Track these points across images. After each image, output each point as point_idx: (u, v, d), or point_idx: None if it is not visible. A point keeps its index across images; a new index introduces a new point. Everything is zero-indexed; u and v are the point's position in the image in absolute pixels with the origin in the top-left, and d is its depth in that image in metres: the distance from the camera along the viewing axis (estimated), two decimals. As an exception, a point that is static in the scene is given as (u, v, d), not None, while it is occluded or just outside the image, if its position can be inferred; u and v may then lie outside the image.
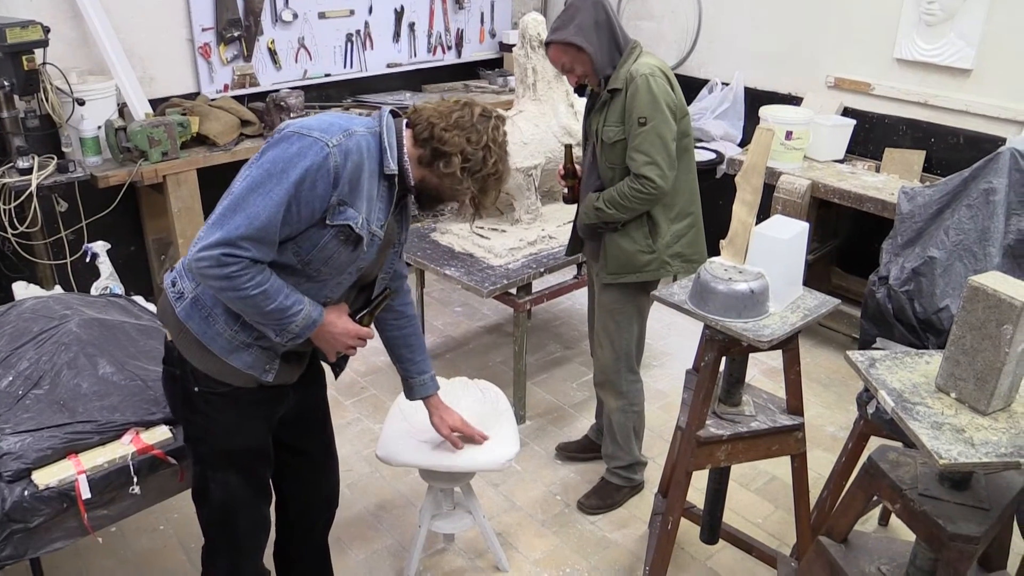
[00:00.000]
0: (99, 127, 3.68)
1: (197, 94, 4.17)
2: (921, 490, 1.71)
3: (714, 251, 2.29)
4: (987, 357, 1.57)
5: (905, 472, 1.77)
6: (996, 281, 1.57)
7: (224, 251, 1.71)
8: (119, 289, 3.27)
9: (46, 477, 1.99)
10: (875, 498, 1.92)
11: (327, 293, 1.93)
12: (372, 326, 2.08)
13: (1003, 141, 3.70)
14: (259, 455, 2.08)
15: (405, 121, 1.91)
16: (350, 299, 2.03)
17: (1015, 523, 2.17)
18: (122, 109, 3.82)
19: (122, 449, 2.10)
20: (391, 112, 1.91)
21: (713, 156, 4.56)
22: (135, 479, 2.10)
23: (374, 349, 4.10)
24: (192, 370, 1.92)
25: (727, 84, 4.77)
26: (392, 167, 1.85)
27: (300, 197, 1.73)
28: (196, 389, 1.94)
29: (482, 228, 3.66)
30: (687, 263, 2.75)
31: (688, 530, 2.79)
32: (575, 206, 2.93)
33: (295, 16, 4.40)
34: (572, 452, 3.35)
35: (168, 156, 3.69)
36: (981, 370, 1.59)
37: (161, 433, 2.17)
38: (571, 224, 3.02)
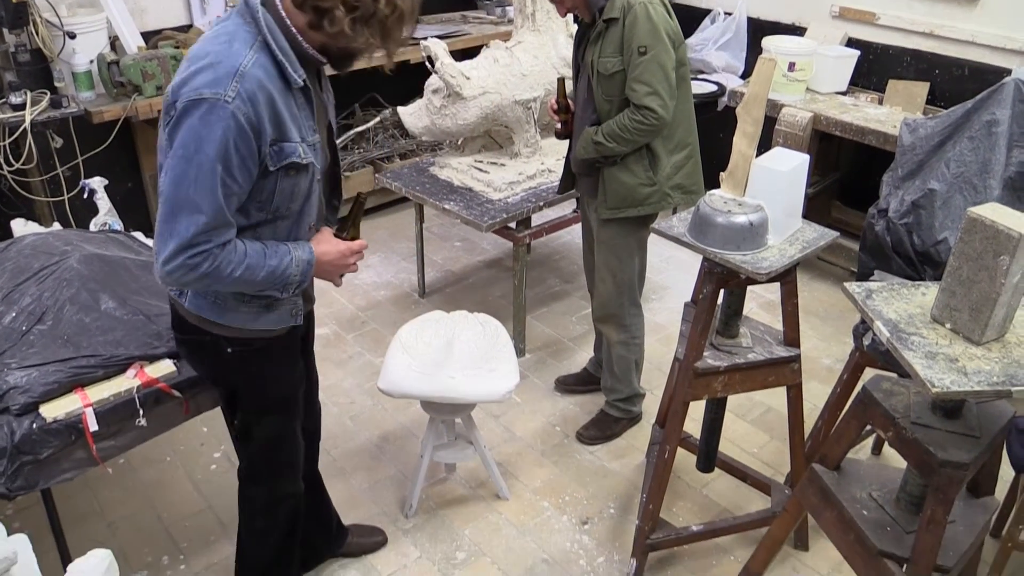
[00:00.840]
0: (91, 61, 3.61)
1: (190, 26, 4.09)
2: (913, 418, 1.74)
3: (714, 183, 2.29)
4: (983, 288, 1.58)
5: (898, 401, 1.80)
6: (994, 212, 1.57)
7: (187, 255, 1.65)
8: (118, 225, 3.27)
9: (54, 410, 2.03)
10: (868, 427, 1.95)
11: (307, 221, 1.87)
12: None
13: (1009, 72, 3.66)
14: (298, 389, 2.12)
15: (277, 5, 1.67)
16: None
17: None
18: (114, 42, 3.75)
19: (127, 382, 2.14)
20: None
21: (715, 88, 4.50)
22: (141, 411, 2.13)
23: (375, 284, 4.14)
24: (223, 336, 1.91)
25: (730, 14, 4.68)
26: (299, 79, 1.69)
27: (230, 169, 1.63)
28: (230, 350, 1.93)
29: (481, 162, 3.64)
30: (687, 194, 2.74)
31: (685, 459, 2.84)
32: (567, 141, 2.90)
33: (288, -56, 4.29)
34: (571, 385, 3.40)
35: (162, 90, 3.64)
36: (976, 301, 1.60)
37: (165, 366, 2.20)
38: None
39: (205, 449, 3.05)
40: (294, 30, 1.67)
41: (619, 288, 2.86)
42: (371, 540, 2.67)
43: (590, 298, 3.28)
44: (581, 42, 2.68)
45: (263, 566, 2.30)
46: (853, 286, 1.81)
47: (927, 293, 1.77)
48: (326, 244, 1.90)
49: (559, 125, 2.85)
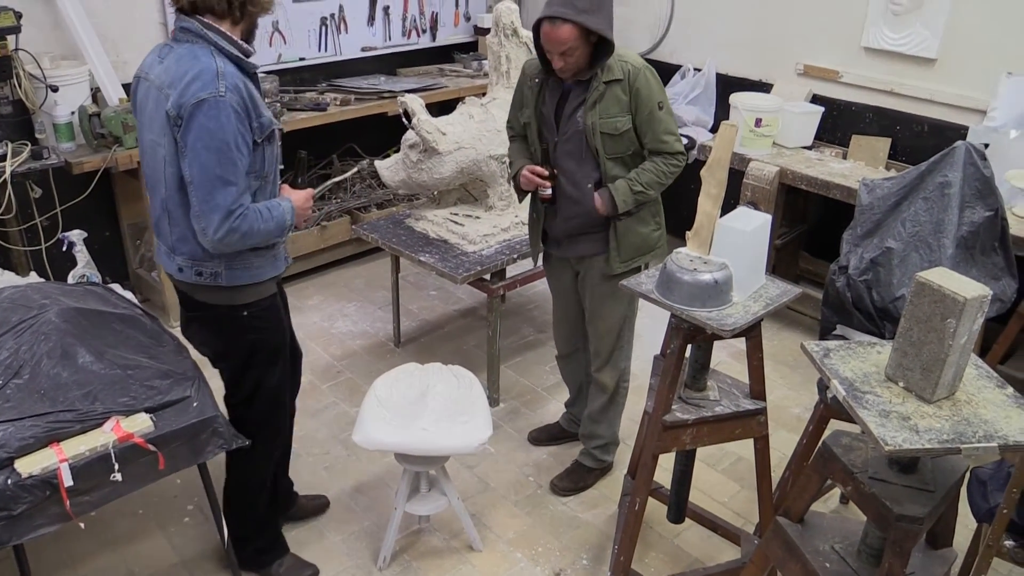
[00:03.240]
0: (73, 113, 3.67)
1: (171, 79, 4.16)
2: (871, 473, 1.80)
3: (683, 236, 2.33)
4: (932, 349, 1.66)
5: (857, 456, 1.86)
6: (941, 277, 1.65)
7: (231, 221, 2.06)
8: (96, 278, 3.30)
9: (29, 465, 2.04)
10: (829, 481, 2.01)
11: (276, 180, 2.29)
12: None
13: (966, 129, 3.81)
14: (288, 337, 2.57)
15: (210, 23, 2.10)
16: None
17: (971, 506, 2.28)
18: (95, 94, 3.81)
19: (103, 437, 2.15)
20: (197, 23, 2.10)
21: (685, 141, 4.60)
22: (116, 466, 2.15)
23: (351, 333, 4.17)
24: (238, 305, 2.29)
25: (699, 70, 4.83)
26: (253, 67, 2.18)
27: (239, 146, 2.06)
28: (245, 313, 2.31)
29: (457, 215, 3.71)
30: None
31: (656, 509, 2.88)
32: (528, 206, 2.92)
33: None
34: (543, 442, 3.41)
35: (143, 142, 3.69)
36: (927, 361, 1.67)
37: (141, 421, 2.22)
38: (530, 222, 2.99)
39: (178, 501, 3.05)
40: (234, 37, 2.15)
41: (620, 329, 2.92)
42: (316, 503, 3.00)
43: (557, 359, 3.30)
44: (539, 100, 2.71)
45: (259, 522, 2.62)
46: (811, 345, 1.88)
47: (882, 352, 1.85)
48: (293, 194, 2.34)
49: (548, 191, 2.75)
